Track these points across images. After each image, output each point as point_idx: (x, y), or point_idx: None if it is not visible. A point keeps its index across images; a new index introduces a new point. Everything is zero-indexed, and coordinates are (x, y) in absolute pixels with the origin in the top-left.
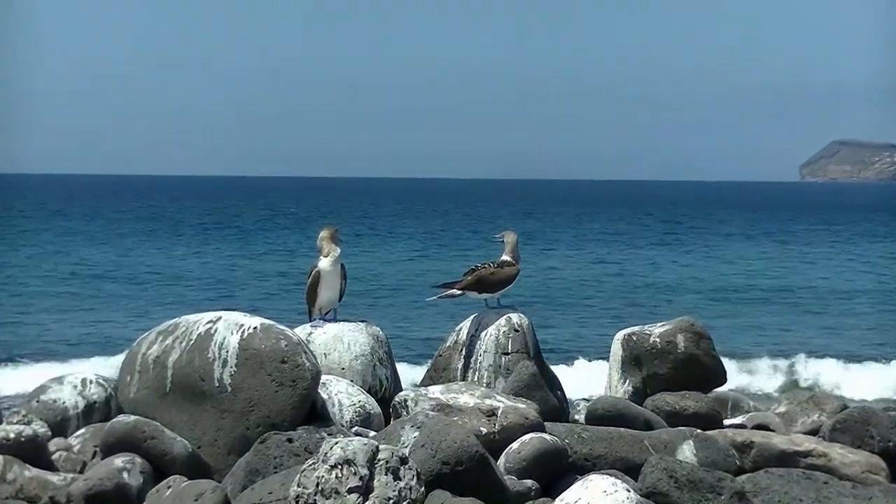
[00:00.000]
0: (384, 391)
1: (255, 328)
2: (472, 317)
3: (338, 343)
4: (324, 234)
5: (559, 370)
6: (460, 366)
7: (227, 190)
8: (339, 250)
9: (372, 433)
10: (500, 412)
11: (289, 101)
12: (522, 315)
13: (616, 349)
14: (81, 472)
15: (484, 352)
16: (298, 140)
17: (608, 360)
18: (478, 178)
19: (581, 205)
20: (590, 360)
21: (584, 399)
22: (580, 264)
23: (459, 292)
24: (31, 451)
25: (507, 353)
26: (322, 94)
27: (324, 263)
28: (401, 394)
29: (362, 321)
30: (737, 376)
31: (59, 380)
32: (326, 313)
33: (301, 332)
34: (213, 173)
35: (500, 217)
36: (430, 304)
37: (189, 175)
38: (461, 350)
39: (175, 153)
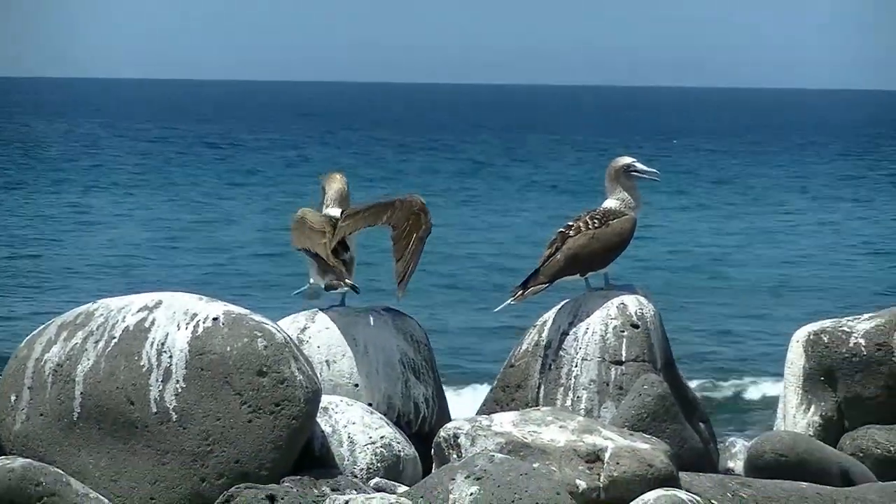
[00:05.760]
0: (422, 421)
1: (215, 319)
2: (562, 303)
3: (349, 344)
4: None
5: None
6: (544, 382)
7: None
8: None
9: (402, 488)
10: (608, 455)
11: None
12: (644, 299)
13: (795, 357)
14: None
15: (582, 360)
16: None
17: (781, 376)
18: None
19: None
20: (748, 377)
21: (743, 436)
22: (711, 218)
23: (545, 285)
24: None
25: (621, 363)
26: None
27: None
28: (449, 426)
29: (387, 308)
30: None
31: None
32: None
33: (290, 325)
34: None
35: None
36: (500, 312)
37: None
38: (545, 357)
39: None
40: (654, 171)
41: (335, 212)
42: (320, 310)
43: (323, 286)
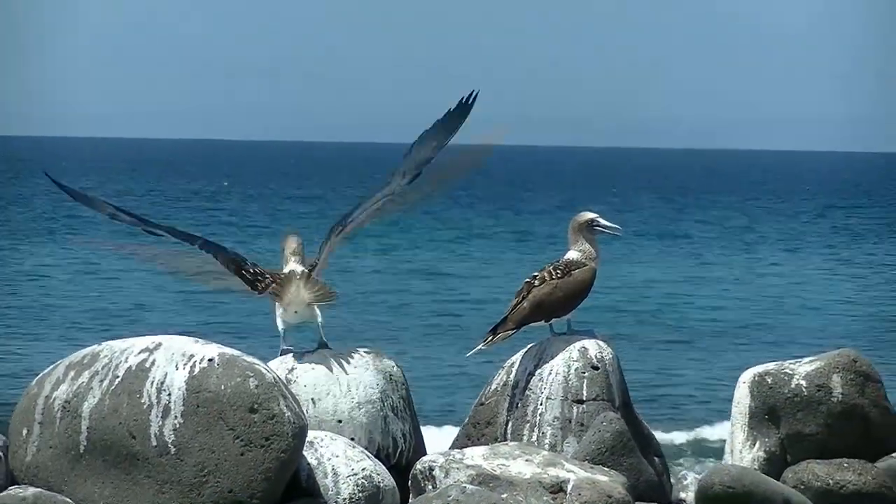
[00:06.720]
0: (400, 455)
1: (210, 360)
2: (528, 347)
3: (332, 384)
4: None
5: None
6: (511, 419)
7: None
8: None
9: None
10: (570, 487)
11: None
12: (604, 344)
13: (741, 397)
14: None
15: (547, 399)
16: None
17: (729, 414)
18: None
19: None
20: (698, 415)
21: (694, 469)
22: (659, 266)
23: (513, 331)
24: None
25: (582, 402)
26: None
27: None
28: (425, 459)
29: (368, 350)
30: None
31: None
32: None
33: (279, 366)
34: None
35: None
36: (471, 357)
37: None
38: (513, 396)
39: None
40: (617, 226)
41: (294, 266)
42: (307, 352)
43: (283, 326)
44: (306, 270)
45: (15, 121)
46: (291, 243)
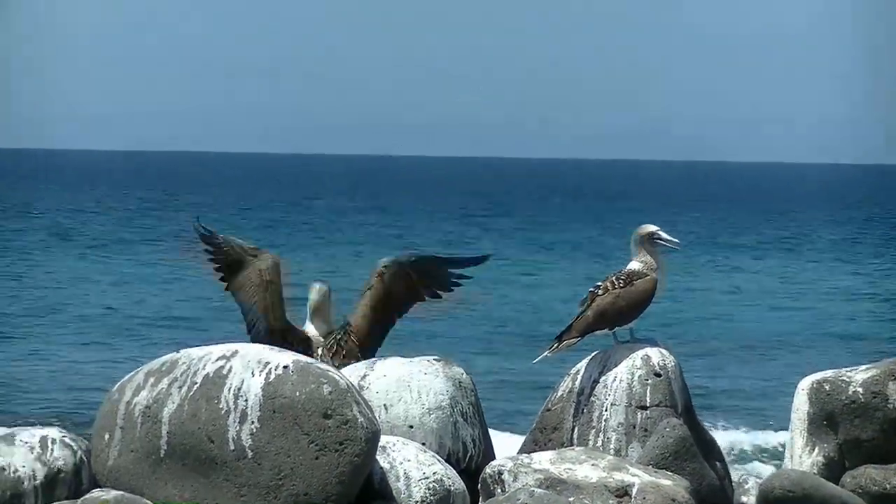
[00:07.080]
0: (470, 459)
1: (286, 367)
2: (593, 354)
3: (404, 390)
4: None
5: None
6: (577, 425)
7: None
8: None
9: None
10: (635, 491)
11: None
12: (666, 352)
13: (800, 404)
14: None
15: (611, 405)
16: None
17: (788, 420)
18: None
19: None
20: (759, 420)
21: (755, 473)
22: (709, 275)
23: (578, 339)
24: None
25: (646, 408)
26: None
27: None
28: (494, 463)
29: (437, 358)
30: None
31: (8, 438)
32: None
33: (352, 373)
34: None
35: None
36: (538, 362)
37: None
38: (579, 402)
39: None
40: (676, 240)
41: (311, 329)
42: (378, 359)
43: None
44: (325, 344)
45: (16, 125)
46: (311, 295)
